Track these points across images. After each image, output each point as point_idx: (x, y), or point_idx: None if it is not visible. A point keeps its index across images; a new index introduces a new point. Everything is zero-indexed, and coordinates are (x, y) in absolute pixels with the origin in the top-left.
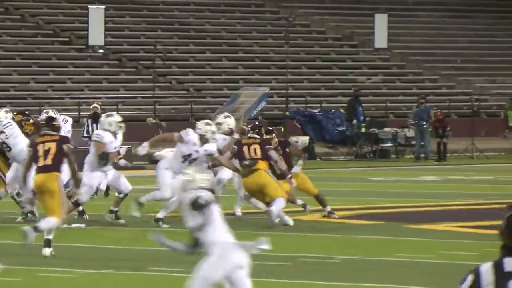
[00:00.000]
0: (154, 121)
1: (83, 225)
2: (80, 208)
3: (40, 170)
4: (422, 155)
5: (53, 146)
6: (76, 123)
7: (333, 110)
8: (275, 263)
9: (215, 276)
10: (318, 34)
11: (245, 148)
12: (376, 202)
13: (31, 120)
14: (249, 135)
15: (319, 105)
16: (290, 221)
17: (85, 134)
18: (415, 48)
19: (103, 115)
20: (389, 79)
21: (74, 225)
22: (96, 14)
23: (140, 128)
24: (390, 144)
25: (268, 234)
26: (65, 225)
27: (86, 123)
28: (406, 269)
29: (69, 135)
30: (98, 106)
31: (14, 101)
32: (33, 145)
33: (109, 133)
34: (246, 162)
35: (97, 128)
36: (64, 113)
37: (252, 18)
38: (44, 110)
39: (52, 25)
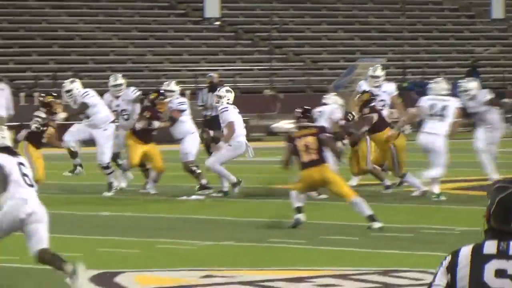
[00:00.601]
0: (270, 92)
1: (202, 197)
2: (204, 181)
3: (307, 165)
4: None
5: (312, 140)
6: (193, 95)
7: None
8: (396, 234)
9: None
10: (435, 5)
11: None
12: (499, 174)
13: (166, 100)
14: None
15: (436, 76)
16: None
17: (199, 103)
18: None
19: None
20: (506, 50)
21: (193, 197)
22: None
23: (257, 99)
24: (510, 115)
25: (389, 206)
26: (185, 197)
27: (201, 93)
28: None
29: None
30: (215, 75)
31: (131, 73)
32: (290, 140)
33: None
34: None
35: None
36: (181, 85)
37: None
38: (165, 83)
39: None
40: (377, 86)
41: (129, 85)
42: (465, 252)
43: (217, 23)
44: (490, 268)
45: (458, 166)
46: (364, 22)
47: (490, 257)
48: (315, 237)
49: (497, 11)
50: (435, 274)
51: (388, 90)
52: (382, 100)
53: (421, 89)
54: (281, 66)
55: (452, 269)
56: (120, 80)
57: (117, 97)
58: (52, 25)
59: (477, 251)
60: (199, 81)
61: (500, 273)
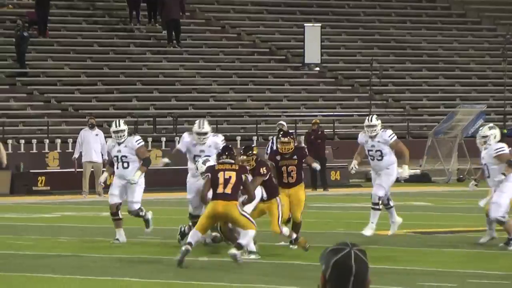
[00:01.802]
0: None
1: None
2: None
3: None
4: None
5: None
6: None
7: None
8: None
9: None
10: None
11: None
12: None
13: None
14: None
15: None
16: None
17: (267, 151)
18: None
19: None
20: None
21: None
22: (313, 32)
23: (356, 145)
24: None
25: None
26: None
27: (271, 140)
28: None
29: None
30: (284, 124)
31: (231, 119)
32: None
33: None
34: None
35: None
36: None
37: (469, 36)
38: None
39: (269, 43)
40: (373, 136)
41: (229, 130)
42: None
43: (317, 69)
44: None
45: None
46: (465, 68)
47: None
48: None
49: None
50: None
51: None
52: (378, 151)
53: None
54: (381, 112)
55: None
56: (123, 126)
57: (119, 144)
58: (152, 71)
59: None
60: (298, 127)
61: None
